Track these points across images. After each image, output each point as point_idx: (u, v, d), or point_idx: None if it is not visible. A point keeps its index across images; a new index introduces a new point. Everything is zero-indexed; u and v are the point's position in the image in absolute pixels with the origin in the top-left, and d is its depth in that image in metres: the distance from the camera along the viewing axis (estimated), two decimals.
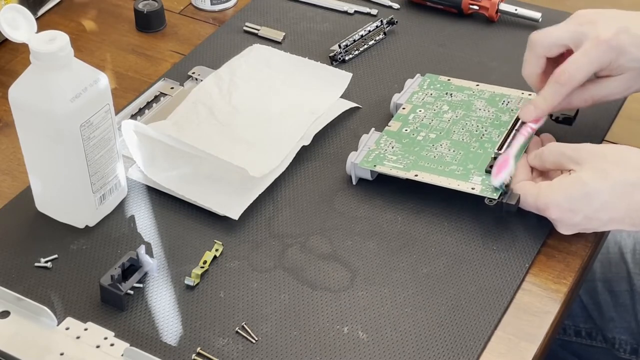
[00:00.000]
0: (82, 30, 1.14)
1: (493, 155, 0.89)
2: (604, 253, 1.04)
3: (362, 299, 0.81)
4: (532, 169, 0.88)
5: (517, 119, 0.92)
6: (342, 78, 1.01)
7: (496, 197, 0.84)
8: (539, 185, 0.84)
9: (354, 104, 1.00)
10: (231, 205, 0.87)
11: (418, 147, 0.91)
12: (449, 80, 1.00)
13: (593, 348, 1.06)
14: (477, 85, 0.99)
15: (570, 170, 0.83)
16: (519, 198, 0.84)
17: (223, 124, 0.96)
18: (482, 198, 0.85)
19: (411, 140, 0.92)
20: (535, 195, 0.83)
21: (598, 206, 0.80)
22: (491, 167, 0.87)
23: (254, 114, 0.97)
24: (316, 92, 1.00)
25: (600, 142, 0.95)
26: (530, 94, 0.96)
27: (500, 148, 0.89)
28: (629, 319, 1.03)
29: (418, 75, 1.01)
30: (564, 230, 0.84)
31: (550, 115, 0.94)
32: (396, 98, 0.98)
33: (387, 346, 0.77)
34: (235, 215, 0.86)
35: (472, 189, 0.86)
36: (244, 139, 0.94)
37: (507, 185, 0.85)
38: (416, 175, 0.88)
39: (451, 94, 0.98)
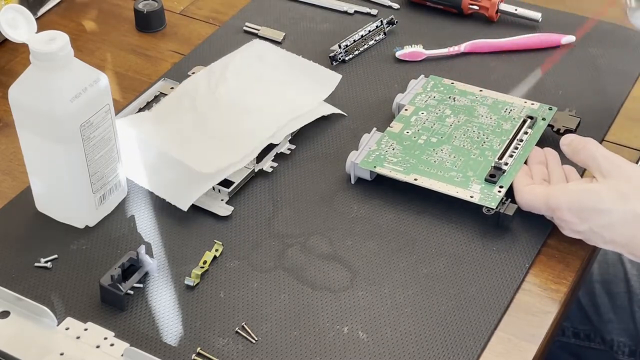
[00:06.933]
0: (82, 30, 1.14)
1: (493, 164, 0.89)
2: (602, 254, 1.04)
3: (362, 299, 0.81)
4: (532, 176, 0.88)
5: (519, 129, 0.92)
6: (332, 79, 1.01)
7: (494, 207, 0.84)
8: (550, 187, 0.84)
9: (337, 110, 0.99)
10: (182, 196, 0.88)
11: (419, 151, 0.91)
12: (452, 83, 1.00)
13: (592, 350, 1.06)
14: (481, 90, 0.99)
15: (593, 177, 0.83)
16: (517, 209, 0.84)
17: (202, 116, 0.96)
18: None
19: (412, 143, 0.92)
20: (546, 195, 0.83)
21: (605, 224, 0.80)
22: (491, 175, 0.87)
23: (232, 109, 0.97)
24: (302, 91, 0.99)
25: (600, 142, 0.95)
26: (533, 103, 0.96)
27: (501, 157, 0.89)
28: (627, 320, 1.03)
29: (422, 76, 1.01)
30: (567, 233, 0.83)
31: (552, 127, 0.94)
32: (399, 98, 0.98)
33: (387, 346, 0.77)
34: (184, 206, 0.87)
35: (471, 197, 0.86)
36: (215, 133, 0.94)
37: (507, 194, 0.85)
38: (416, 180, 0.88)
39: (454, 98, 0.98)
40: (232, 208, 0.88)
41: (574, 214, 0.81)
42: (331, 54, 1.06)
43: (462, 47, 1.08)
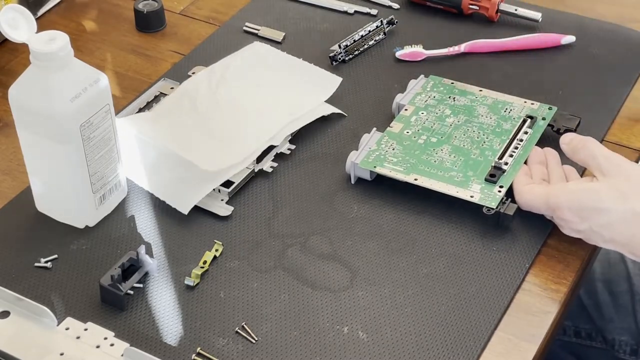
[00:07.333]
0: (82, 30, 1.14)
1: (493, 164, 0.89)
2: (604, 253, 1.04)
3: (362, 299, 0.81)
4: (532, 176, 0.88)
5: (519, 129, 0.92)
6: (332, 82, 1.01)
7: (494, 207, 0.84)
8: (550, 187, 0.84)
9: (337, 110, 0.99)
10: (182, 199, 0.87)
11: (419, 151, 0.91)
12: (452, 83, 1.00)
13: (593, 349, 1.06)
14: (480, 90, 0.99)
15: (593, 177, 0.83)
16: (517, 209, 0.84)
17: (202, 117, 0.96)
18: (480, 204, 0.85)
19: (412, 143, 0.92)
20: (546, 195, 0.83)
21: (604, 223, 0.80)
22: (491, 175, 0.87)
23: (232, 110, 0.97)
24: (301, 94, 0.99)
25: (600, 142, 0.95)
26: (533, 103, 0.96)
27: (501, 157, 0.89)
28: (628, 319, 1.03)
29: (422, 76, 1.01)
30: (567, 232, 0.83)
31: (552, 127, 0.94)
32: (399, 98, 0.98)
33: (387, 346, 0.77)
34: (184, 209, 0.87)
35: (471, 197, 0.86)
36: (215, 134, 0.94)
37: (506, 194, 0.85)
38: (416, 180, 0.88)
39: (454, 98, 0.97)
40: (232, 208, 0.88)
41: (574, 213, 0.81)
42: (331, 54, 1.06)
43: (462, 47, 1.08)
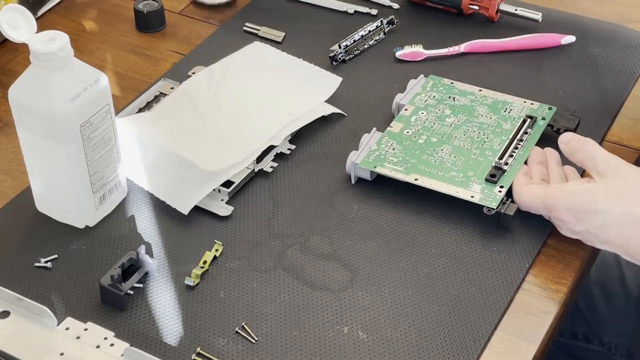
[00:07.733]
0: (82, 30, 1.14)
1: (493, 164, 0.89)
2: (599, 256, 1.04)
3: (362, 299, 0.81)
4: (531, 176, 0.88)
5: (519, 129, 0.92)
6: (332, 82, 1.01)
7: (495, 207, 0.84)
8: (548, 187, 0.84)
9: (337, 110, 0.99)
10: (182, 199, 0.87)
11: (419, 151, 0.91)
12: (452, 83, 1.00)
13: (590, 351, 1.06)
14: (480, 90, 0.99)
15: (590, 177, 0.83)
16: (517, 209, 0.84)
17: (202, 117, 0.96)
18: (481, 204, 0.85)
19: (412, 143, 0.92)
20: (544, 195, 0.83)
21: (600, 225, 0.80)
22: (491, 175, 0.87)
23: (233, 110, 0.97)
24: (301, 94, 0.99)
25: (600, 142, 0.95)
26: (532, 103, 0.96)
27: (501, 157, 0.89)
28: (624, 322, 1.03)
29: (421, 76, 1.01)
30: (565, 233, 0.83)
31: (552, 127, 0.94)
32: (399, 98, 0.98)
33: (387, 346, 0.77)
34: (184, 210, 0.87)
35: (472, 197, 0.86)
36: (215, 134, 0.94)
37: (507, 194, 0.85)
38: (416, 180, 0.88)
39: (454, 98, 0.98)
40: (232, 208, 0.88)
41: (571, 214, 0.81)
42: (331, 54, 1.06)
43: (462, 47, 1.08)
